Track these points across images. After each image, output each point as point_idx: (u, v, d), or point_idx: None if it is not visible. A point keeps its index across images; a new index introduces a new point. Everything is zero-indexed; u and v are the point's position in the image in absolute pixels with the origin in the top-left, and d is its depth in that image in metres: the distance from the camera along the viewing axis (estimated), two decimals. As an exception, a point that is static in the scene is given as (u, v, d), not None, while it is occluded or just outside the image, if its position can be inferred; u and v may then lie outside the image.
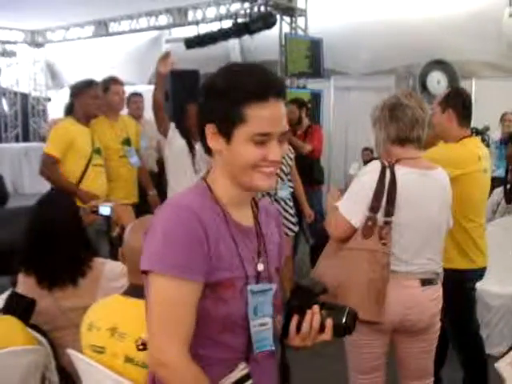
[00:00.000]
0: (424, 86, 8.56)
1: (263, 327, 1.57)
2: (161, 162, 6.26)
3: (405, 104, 2.63)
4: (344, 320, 1.57)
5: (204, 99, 1.50)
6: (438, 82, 8.59)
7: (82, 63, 12.60)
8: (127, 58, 12.33)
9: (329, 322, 1.56)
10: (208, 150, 1.54)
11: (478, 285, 3.49)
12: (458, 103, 3.33)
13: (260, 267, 1.58)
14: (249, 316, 1.53)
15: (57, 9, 10.44)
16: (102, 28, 11.90)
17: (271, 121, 1.45)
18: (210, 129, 1.48)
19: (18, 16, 11.56)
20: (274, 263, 1.66)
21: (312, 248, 6.47)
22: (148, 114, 5.98)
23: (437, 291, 2.70)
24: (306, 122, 6.78)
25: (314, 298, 1.60)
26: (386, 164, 2.60)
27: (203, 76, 9.83)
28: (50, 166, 4.44)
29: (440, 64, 8.68)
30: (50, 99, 15.08)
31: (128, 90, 12.56)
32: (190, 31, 10.09)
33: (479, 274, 3.38)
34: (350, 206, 2.63)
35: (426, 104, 2.78)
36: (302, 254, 6.95)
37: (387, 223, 2.55)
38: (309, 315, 1.56)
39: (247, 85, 1.44)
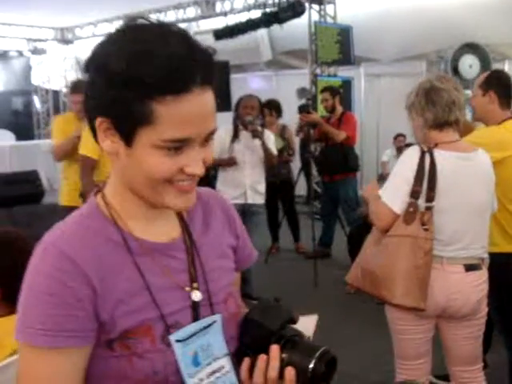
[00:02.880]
0: (456, 71, 8.48)
1: (217, 374, 1.15)
2: None
3: (440, 87, 2.62)
4: (311, 366, 1.12)
5: (92, 79, 1.05)
6: (470, 66, 8.51)
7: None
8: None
9: (289, 372, 1.12)
10: (101, 148, 1.10)
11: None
12: (500, 85, 3.31)
13: (196, 296, 1.15)
14: (182, 371, 1.10)
15: (85, 5, 10.51)
16: (130, 22, 11.93)
17: (192, 121, 1.01)
18: (102, 123, 1.04)
19: (47, 14, 11.68)
20: (223, 281, 1.23)
21: (349, 237, 6.49)
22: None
23: (482, 276, 2.68)
24: (339, 109, 6.78)
25: (272, 334, 1.17)
26: (425, 149, 2.59)
27: (232, 67, 9.88)
28: (90, 171, 4.43)
29: (471, 47, 8.58)
30: (80, 95, 15.19)
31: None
32: (218, 23, 10.10)
33: None
34: (392, 193, 2.63)
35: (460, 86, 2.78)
36: (338, 242, 6.98)
37: (429, 208, 2.55)
38: (262, 361, 1.13)
39: (156, 70, 0.97)
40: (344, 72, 9.45)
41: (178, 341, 1.10)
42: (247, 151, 5.32)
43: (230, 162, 5.32)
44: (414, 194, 2.56)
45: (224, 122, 5.45)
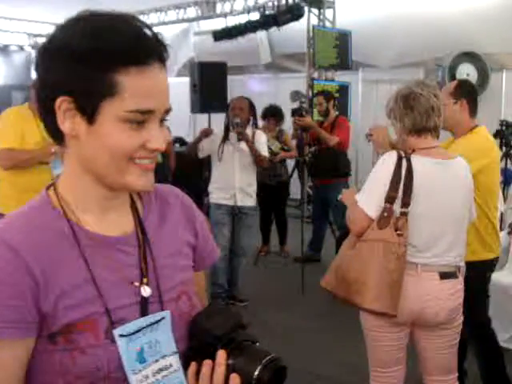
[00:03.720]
0: (453, 79, 8.48)
1: (164, 373, 1.13)
2: (165, 152, 6.49)
3: (418, 93, 2.61)
4: (256, 373, 1.07)
5: (51, 64, 1.06)
6: (467, 75, 8.50)
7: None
8: (156, 50, 12.40)
9: (233, 379, 1.08)
10: (55, 136, 1.11)
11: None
12: (470, 93, 3.34)
13: (145, 291, 1.14)
14: (126, 367, 1.08)
15: (85, 2, 10.54)
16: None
17: (153, 94, 1.05)
18: (63, 103, 1.04)
19: (48, 9, 11.68)
20: (176, 279, 1.21)
21: (338, 240, 6.48)
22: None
23: (457, 285, 2.67)
24: (332, 114, 6.77)
25: (218, 339, 1.12)
26: (403, 154, 2.58)
27: (231, 68, 9.88)
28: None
29: (469, 56, 8.59)
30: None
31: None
32: (219, 23, 10.11)
33: (495, 262, 3.40)
34: (367, 197, 2.63)
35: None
36: (328, 247, 6.97)
37: (403, 214, 2.54)
38: (207, 366, 1.10)
39: (120, 42, 1.02)
40: (342, 77, 9.45)
41: (122, 335, 1.08)
42: (237, 153, 5.31)
43: (206, 133, 5.38)
44: (390, 199, 2.55)
45: (221, 123, 5.49)
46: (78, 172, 1.12)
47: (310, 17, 9.00)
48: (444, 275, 2.63)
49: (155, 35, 1.07)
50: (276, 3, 8.76)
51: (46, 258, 1.06)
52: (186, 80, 8.34)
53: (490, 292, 3.59)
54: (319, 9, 9.10)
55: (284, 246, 7.53)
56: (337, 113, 6.88)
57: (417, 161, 2.57)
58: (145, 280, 1.15)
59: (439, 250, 2.61)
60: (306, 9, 8.85)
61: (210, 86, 7.48)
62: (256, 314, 5.40)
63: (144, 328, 1.11)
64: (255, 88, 11.93)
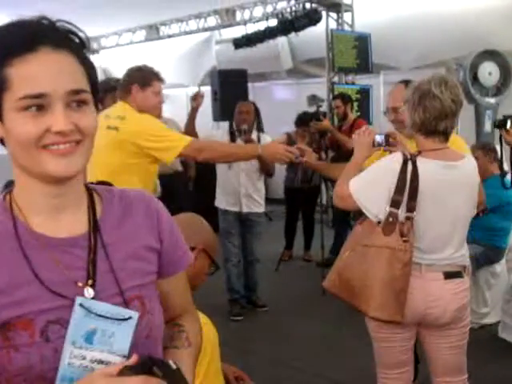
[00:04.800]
0: (475, 78, 8.37)
1: (101, 366, 1.09)
2: (185, 161, 6.50)
3: (435, 94, 2.50)
4: None
5: None
6: (489, 73, 8.38)
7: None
8: (179, 60, 12.50)
9: None
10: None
11: None
12: None
13: (88, 292, 1.13)
14: (68, 335, 1.08)
15: (109, 15, 10.66)
16: (153, 32, 12.08)
17: (44, 77, 1.06)
18: None
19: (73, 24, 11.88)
20: (130, 283, 1.19)
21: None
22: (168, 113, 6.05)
23: (462, 285, 2.63)
24: (351, 117, 6.75)
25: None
26: (408, 156, 2.51)
27: (253, 76, 9.91)
28: None
29: (491, 54, 8.46)
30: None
31: (180, 92, 12.72)
32: (240, 31, 10.15)
33: None
34: (369, 192, 2.57)
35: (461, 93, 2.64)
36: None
37: (409, 219, 2.48)
38: None
39: (5, 37, 1.08)
40: (364, 80, 9.41)
41: (81, 305, 1.09)
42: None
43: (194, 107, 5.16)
44: (395, 204, 2.49)
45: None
46: (17, 172, 1.15)
47: (329, 21, 8.98)
48: (449, 275, 2.59)
49: (47, 22, 1.10)
50: (293, 9, 8.75)
51: None
52: (209, 89, 8.41)
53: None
54: (337, 12, 9.08)
55: (308, 250, 7.51)
56: (355, 116, 6.86)
57: (423, 164, 2.51)
58: (90, 282, 1.14)
59: (445, 251, 2.58)
60: (324, 13, 8.84)
61: (230, 93, 7.54)
62: (276, 318, 5.41)
63: (108, 318, 1.11)
64: (279, 95, 11.95)
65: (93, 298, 1.13)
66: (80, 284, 1.13)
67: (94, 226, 1.19)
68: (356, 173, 2.68)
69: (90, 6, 9.38)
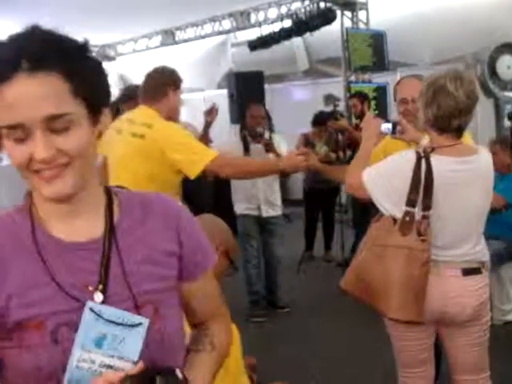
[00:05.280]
0: (493, 72, 8.30)
1: (110, 371, 1.09)
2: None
3: (450, 91, 2.45)
4: None
5: None
6: (508, 67, 8.31)
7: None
8: (195, 64, 12.53)
9: None
10: None
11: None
12: None
13: (98, 297, 1.13)
14: (78, 338, 1.09)
15: (125, 22, 10.73)
16: (168, 37, 12.13)
17: (19, 106, 1.03)
18: None
19: (89, 31, 11.97)
20: (143, 287, 1.18)
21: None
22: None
23: (481, 281, 2.58)
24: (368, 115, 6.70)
25: None
26: (422, 154, 2.47)
27: (270, 77, 9.91)
28: None
29: (509, 48, 8.38)
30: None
31: (198, 96, 12.77)
32: (255, 33, 10.16)
33: None
34: (381, 185, 2.55)
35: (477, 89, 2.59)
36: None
37: (425, 217, 2.45)
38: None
39: None
40: (381, 78, 9.36)
41: (91, 310, 1.10)
42: None
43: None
44: (411, 202, 2.46)
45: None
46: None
47: (344, 20, 8.95)
48: (467, 271, 2.55)
49: (31, 37, 1.05)
50: (308, 9, 8.74)
51: (2, 257, 1.12)
52: (226, 92, 8.44)
53: None
54: (352, 11, 9.06)
55: (329, 251, 7.48)
56: (373, 114, 6.82)
57: (436, 160, 2.47)
58: (100, 286, 1.14)
59: (462, 247, 2.55)
60: (338, 12, 8.82)
61: (247, 95, 7.55)
62: (297, 319, 5.39)
63: (119, 324, 1.11)
64: (296, 96, 11.94)
65: (102, 303, 1.13)
66: (90, 288, 1.14)
67: (110, 230, 1.19)
68: (366, 161, 2.68)
69: (106, 14, 9.47)
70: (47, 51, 1.04)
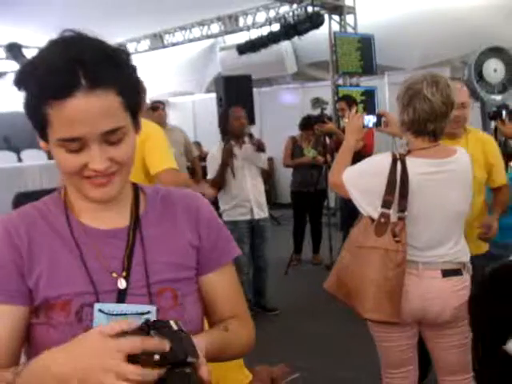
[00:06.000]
0: (480, 76, 8.34)
1: None
2: (191, 168, 6.51)
3: (426, 96, 2.45)
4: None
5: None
6: (494, 71, 8.35)
7: (141, 76, 12.86)
8: (184, 68, 12.56)
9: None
10: None
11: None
12: None
13: (121, 284, 1.21)
14: None
15: (113, 26, 10.73)
16: (157, 41, 12.15)
17: (79, 122, 1.08)
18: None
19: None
20: (164, 275, 1.24)
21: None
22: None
23: (462, 282, 2.57)
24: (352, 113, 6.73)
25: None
26: (397, 156, 2.49)
27: (258, 81, 9.94)
28: None
29: (496, 51, 8.43)
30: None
31: (187, 99, 12.72)
32: (244, 37, 10.19)
33: None
34: (359, 185, 2.58)
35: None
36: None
37: (401, 219, 2.46)
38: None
39: (40, 77, 1.09)
40: (368, 82, 9.41)
41: (100, 311, 1.16)
42: (245, 164, 5.27)
43: (226, 160, 5.18)
44: (386, 204, 2.47)
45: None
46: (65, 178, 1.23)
47: (332, 24, 8.99)
48: (447, 273, 2.55)
49: (92, 55, 1.09)
50: (296, 13, 8.78)
51: (34, 240, 1.20)
52: (214, 95, 8.44)
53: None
54: (340, 15, 9.10)
55: (317, 254, 7.50)
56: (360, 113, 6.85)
57: (412, 163, 2.49)
58: (124, 273, 1.22)
59: (441, 248, 2.55)
60: (326, 16, 8.86)
61: (235, 99, 7.53)
62: (286, 322, 5.40)
63: (128, 315, 1.16)
64: (284, 99, 11.97)
65: (124, 290, 1.20)
66: (114, 275, 1.21)
67: (136, 220, 1.27)
68: (348, 158, 2.71)
69: (93, 18, 9.46)
70: (103, 67, 1.10)
